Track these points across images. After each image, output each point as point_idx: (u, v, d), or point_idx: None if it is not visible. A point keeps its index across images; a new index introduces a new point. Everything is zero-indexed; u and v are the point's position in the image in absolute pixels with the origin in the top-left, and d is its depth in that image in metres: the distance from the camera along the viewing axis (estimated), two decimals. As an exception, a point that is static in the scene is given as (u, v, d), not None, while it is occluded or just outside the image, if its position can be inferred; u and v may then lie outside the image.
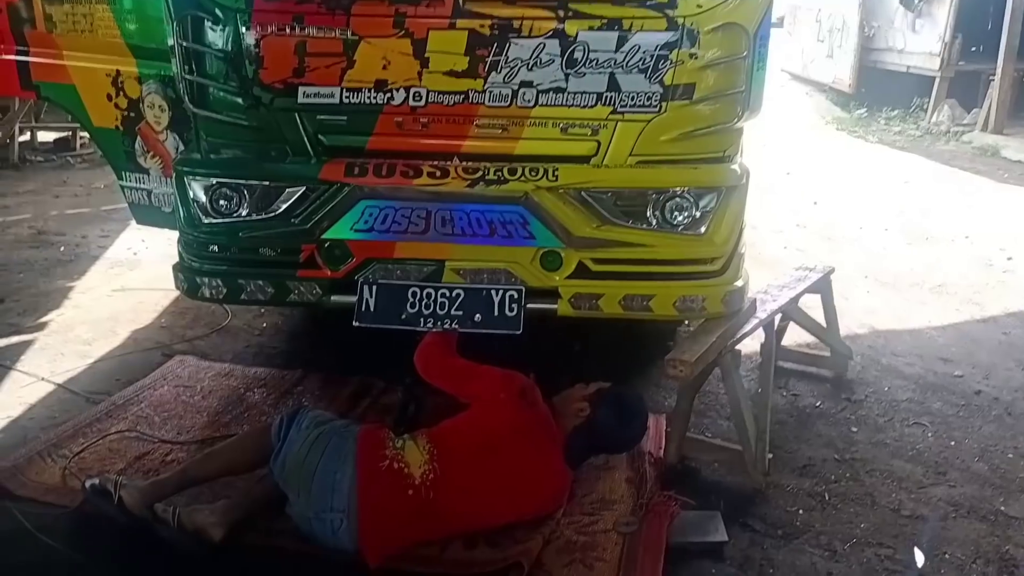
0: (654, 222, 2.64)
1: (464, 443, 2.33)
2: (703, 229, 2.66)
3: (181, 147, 3.08)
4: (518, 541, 2.34)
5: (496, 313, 2.62)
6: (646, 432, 2.62)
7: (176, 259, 2.89)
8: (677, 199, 2.64)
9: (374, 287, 2.66)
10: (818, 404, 3.29)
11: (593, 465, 2.69)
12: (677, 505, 2.49)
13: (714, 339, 2.53)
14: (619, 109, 2.53)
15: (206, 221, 2.74)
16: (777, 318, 3.00)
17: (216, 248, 2.75)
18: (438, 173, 2.57)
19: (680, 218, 2.65)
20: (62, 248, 5.24)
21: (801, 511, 2.57)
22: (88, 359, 3.58)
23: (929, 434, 3.10)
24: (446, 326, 2.61)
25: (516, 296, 2.62)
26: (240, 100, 2.60)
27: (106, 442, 2.87)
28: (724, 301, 2.69)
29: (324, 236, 2.65)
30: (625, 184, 2.61)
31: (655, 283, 2.64)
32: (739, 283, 2.75)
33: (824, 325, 3.48)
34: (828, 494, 2.66)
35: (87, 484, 2.44)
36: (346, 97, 2.55)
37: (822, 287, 3.41)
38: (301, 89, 2.55)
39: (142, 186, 3.45)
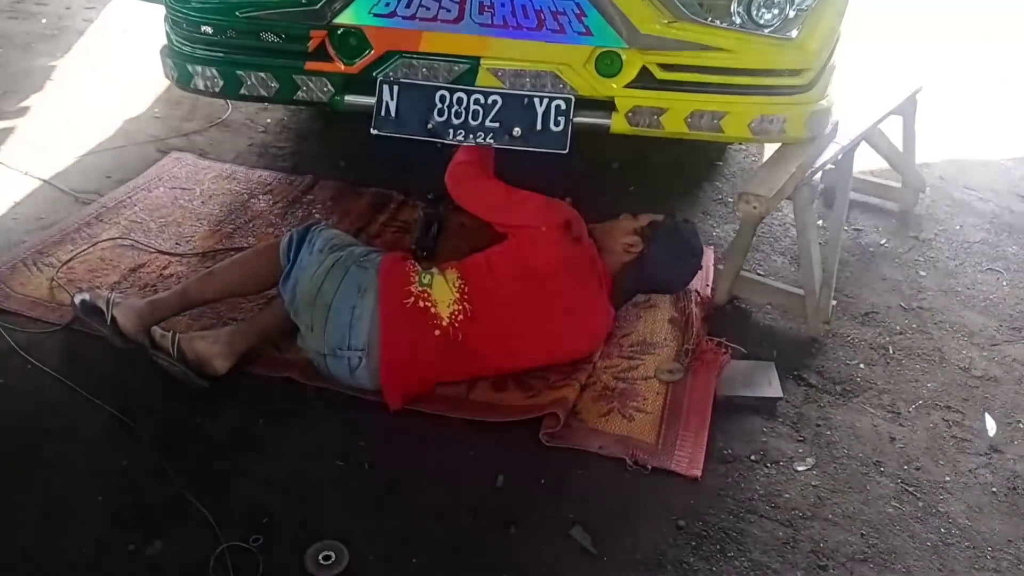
0: (737, 20, 2.16)
1: (499, 281, 2.04)
2: (794, 32, 2.18)
3: None
4: (551, 386, 2.12)
5: (539, 127, 2.22)
6: (700, 270, 2.33)
7: (164, 41, 2.46)
8: (768, -8, 2.15)
9: (395, 87, 2.24)
10: (883, 242, 2.97)
11: (633, 303, 2.42)
12: (727, 354, 2.25)
13: (794, 169, 2.15)
14: None
15: (195, -7, 2.27)
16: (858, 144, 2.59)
17: (210, 30, 2.29)
18: (476, -55, 2.07)
19: (768, 16, 2.17)
20: (43, 20, 4.69)
21: (862, 365, 2.33)
22: (76, 152, 3.23)
23: (1004, 283, 2.80)
24: (479, 140, 2.22)
25: (564, 107, 2.21)
26: None
27: (97, 250, 2.59)
28: (807, 123, 2.27)
29: (336, 20, 2.19)
30: (706, -29, 2.11)
31: (730, 97, 2.21)
32: (825, 102, 2.31)
33: (900, 151, 3.07)
34: (892, 347, 2.41)
35: (77, 300, 2.20)
36: None
37: (906, 108, 2.96)
38: None
39: (119, -53, 2.93)
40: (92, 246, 2.61)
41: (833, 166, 2.68)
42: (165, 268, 2.56)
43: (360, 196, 3.04)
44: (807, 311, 2.39)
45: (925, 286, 2.72)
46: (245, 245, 2.69)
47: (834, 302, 2.45)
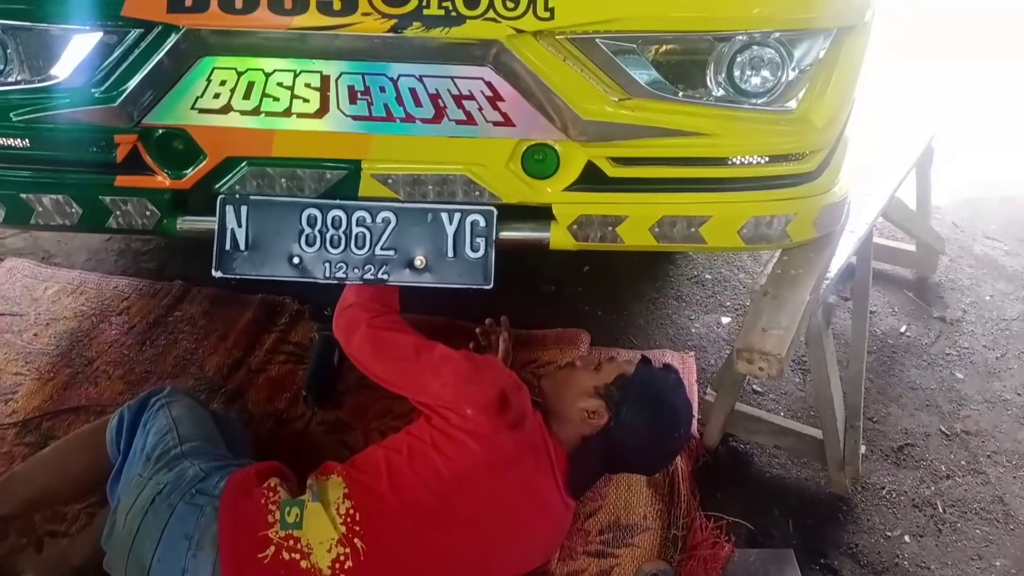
0: (716, 90, 1.55)
1: (404, 498, 1.39)
2: (794, 103, 1.58)
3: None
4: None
5: (450, 253, 1.58)
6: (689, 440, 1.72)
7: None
8: (755, 48, 1.53)
9: (243, 208, 1.59)
10: (903, 330, 2.38)
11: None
12: (730, 543, 1.65)
13: (808, 297, 1.54)
14: None
15: (-42, 90, 1.60)
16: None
17: (-19, 140, 1.63)
18: (337, 4, 1.41)
19: (757, 81, 1.55)
20: None
21: (907, 538, 1.74)
22: None
23: (1059, 380, 2.24)
24: (368, 276, 1.59)
25: (483, 224, 1.58)
26: None
27: None
28: (817, 221, 1.68)
29: (148, 121, 1.53)
30: (670, 25, 1.48)
31: (712, 196, 1.60)
32: (839, 191, 1.72)
33: (912, 209, 2.50)
34: (941, 502, 1.83)
35: None
36: None
37: (921, 160, 2.38)
38: None
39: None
40: None
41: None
42: (-34, 448, 1.89)
43: (243, 307, 2.39)
44: (828, 464, 1.80)
45: (966, 395, 2.14)
46: (82, 404, 2.04)
47: (863, 448, 1.86)
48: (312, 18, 1.42)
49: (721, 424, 1.90)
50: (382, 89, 1.49)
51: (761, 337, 1.43)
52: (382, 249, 1.59)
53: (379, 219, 1.59)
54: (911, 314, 2.44)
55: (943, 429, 2.02)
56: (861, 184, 1.99)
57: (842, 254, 1.75)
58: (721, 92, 1.54)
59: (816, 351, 1.68)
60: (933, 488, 1.86)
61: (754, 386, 2.14)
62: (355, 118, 1.51)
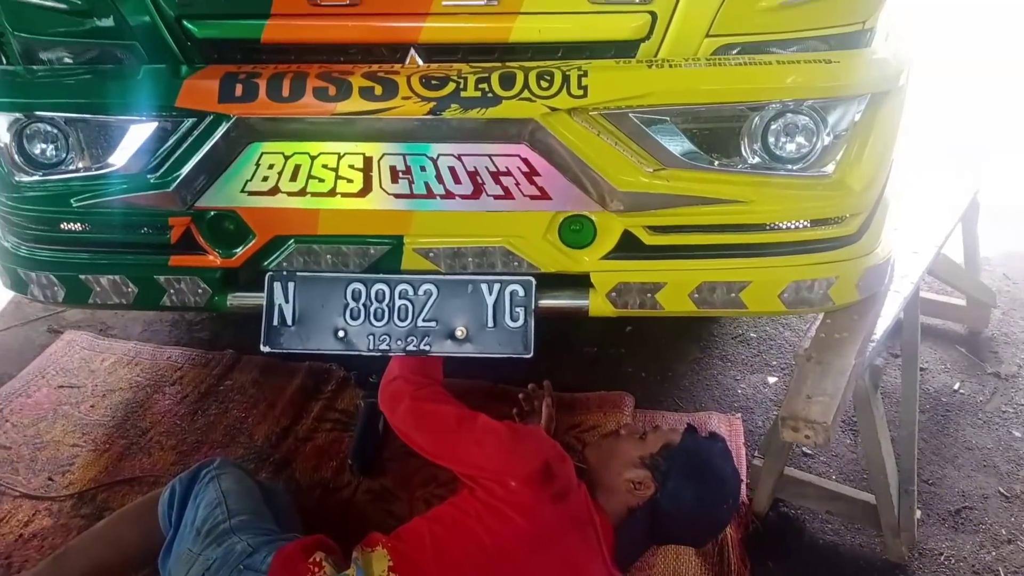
0: (751, 158, 1.57)
1: (450, 569, 1.40)
2: (831, 167, 1.58)
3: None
4: None
5: (490, 323, 1.61)
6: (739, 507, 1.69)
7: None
8: (789, 116, 1.54)
9: (291, 284, 1.64)
10: (957, 387, 2.32)
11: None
12: (785, 615, 1.60)
13: (853, 362, 1.53)
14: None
15: (21, 180, 1.68)
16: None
17: (43, 225, 1.72)
18: (379, 90, 1.48)
19: (792, 148, 1.57)
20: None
21: (971, 609, 1.68)
22: (-53, 345, 2.64)
23: (1123, 436, 2.15)
24: (411, 348, 1.62)
25: (522, 293, 1.61)
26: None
27: (-59, 503, 1.99)
28: (860, 284, 1.66)
29: (200, 204, 1.60)
30: (702, 97, 1.51)
31: (751, 261, 1.60)
32: (881, 252, 1.70)
33: (960, 265, 2.45)
34: (1003, 568, 1.75)
35: None
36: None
37: (966, 216, 2.35)
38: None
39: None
40: (-65, 498, 2.00)
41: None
42: (28, 523, 1.95)
43: (291, 375, 2.44)
44: (883, 530, 1.74)
45: (1025, 455, 2.07)
46: (136, 475, 2.09)
47: (919, 512, 1.80)
48: (355, 104, 1.48)
49: (770, 490, 1.86)
50: (422, 168, 1.53)
51: (806, 405, 1.42)
52: (424, 320, 1.62)
53: (421, 291, 1.62)
54: (964, 370, 2.38)
55: (1002, 491, 1.95)
56: (906, 242, 1.98)
57: (888, 315, 1.73)
58: (756, 159, 1.56)
59: (865, 416, 1.65)
60: (994, 553, 1.79)
61: (804, 448, 2.09)
62: (397, 196, 1.56)
